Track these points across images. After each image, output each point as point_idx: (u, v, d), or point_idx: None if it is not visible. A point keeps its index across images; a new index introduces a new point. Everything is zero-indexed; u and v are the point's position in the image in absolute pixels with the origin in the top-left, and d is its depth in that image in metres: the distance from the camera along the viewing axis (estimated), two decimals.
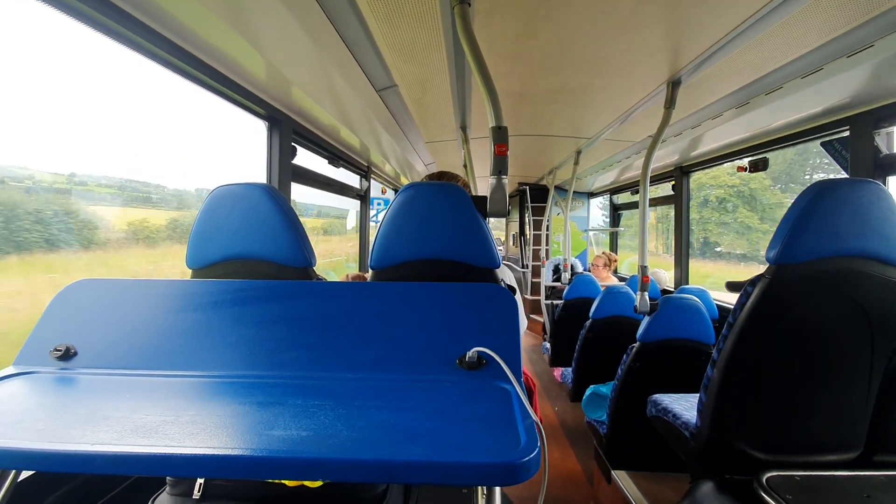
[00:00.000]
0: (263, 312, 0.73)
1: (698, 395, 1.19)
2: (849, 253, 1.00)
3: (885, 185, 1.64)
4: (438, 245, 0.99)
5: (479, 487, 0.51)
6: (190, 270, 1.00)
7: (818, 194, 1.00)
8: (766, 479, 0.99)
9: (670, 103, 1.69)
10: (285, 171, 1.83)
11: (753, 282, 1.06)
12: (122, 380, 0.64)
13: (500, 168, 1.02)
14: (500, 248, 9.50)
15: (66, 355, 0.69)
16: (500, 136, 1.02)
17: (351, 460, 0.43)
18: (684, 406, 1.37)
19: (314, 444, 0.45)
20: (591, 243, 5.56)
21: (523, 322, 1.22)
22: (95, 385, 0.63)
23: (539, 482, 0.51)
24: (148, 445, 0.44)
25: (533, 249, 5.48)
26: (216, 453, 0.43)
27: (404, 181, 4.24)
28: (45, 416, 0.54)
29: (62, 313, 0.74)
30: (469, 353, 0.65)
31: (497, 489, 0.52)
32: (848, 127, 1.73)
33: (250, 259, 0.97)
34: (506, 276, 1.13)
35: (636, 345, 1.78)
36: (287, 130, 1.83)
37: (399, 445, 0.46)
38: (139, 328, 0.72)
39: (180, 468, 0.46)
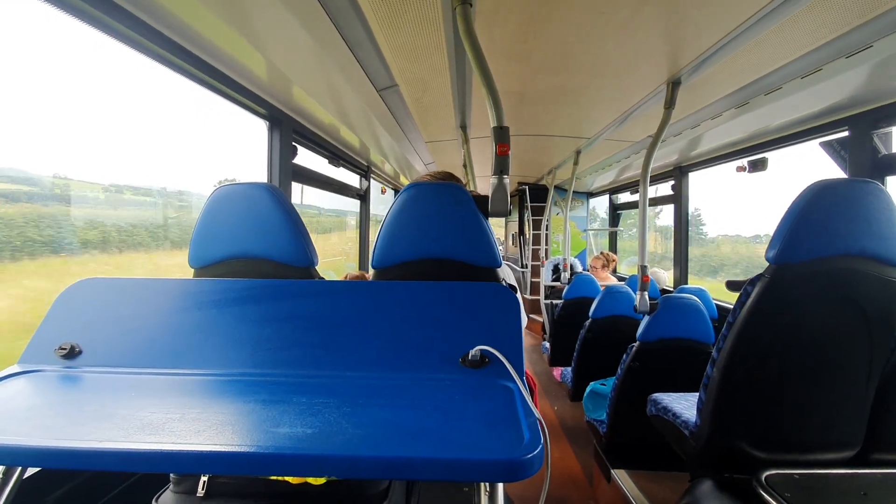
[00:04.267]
0: (267, 311, 0.74)
1: (698, 394, 1.19)
2: (847, 252, 1.01)
3: (883, 184, 1.65)
4: (440, 244, 1.00)
5: (483, 485, 0.51)
6: (192, 270, 1.00)
7: (817, 194, 1.00)
8: (766, 478, 1.00)
9: (670, 103, 1.70)
10: (286, 171, 1.83)
11: (753, 281, 1.07)
12: (128, 378, 0.65)
13: (501, 168, 1.02)
14: (500, 247, 9.49)
15: (72, 354, 0.69)
16: (501, 135, 1.02)
17: (356, 457, 0.44)
18: (684, 405, 1.38)
19: (319, 441, 0.45)
20: (590, 244, 5.56)
21: (523, 320, 1.23)
22: (101, 383, 0.63)
23: (539, 481, 0.51)
24: (154, 442, 0.45)
25: (532, 249, 5.47)
26: (222, 450, 0.44)
27: (404, 181, 4.24)
28: (51, 414, 0.54)
29: (67, 312, 0.74)
30: (472, 352, 0.66)
31: (500, 486, 0.52)
32: (847, 127, 1.74)
33: (252, 258, 0.97)
34: (507, 275, 1.14)
35: (636, 344, 1.78)
36: (288, 130, 1.83)
37: (403, 442, 0.46)
38: (144, 327, 0.73)
39: (187, 465, 0.46)
